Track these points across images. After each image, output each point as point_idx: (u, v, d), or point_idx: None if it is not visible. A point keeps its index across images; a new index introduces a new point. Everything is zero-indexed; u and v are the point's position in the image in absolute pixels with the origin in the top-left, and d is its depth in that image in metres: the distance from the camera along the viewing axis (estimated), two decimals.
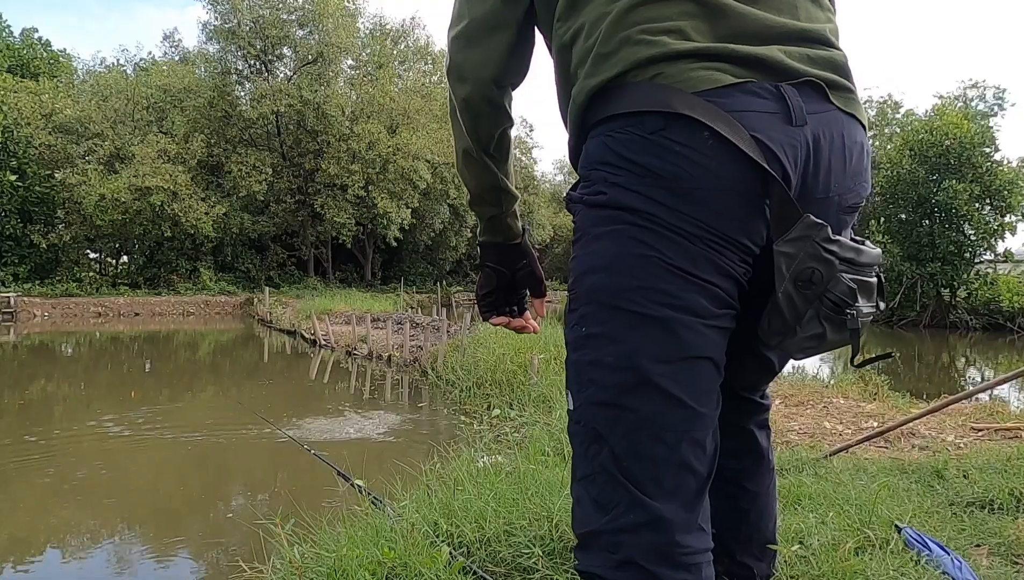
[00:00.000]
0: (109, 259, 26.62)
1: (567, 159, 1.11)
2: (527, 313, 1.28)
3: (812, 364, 10.12)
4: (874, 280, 0.94)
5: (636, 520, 0.88)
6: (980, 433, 3.54)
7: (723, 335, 0.92)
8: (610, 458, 0.89)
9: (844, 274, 0.89)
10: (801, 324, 0.91)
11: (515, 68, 1.08)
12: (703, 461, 0.91)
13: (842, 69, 0.95)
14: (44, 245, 22.43)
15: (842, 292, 0.88)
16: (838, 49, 0.97)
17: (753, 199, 0.87)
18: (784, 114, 0.87)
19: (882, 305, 0.96)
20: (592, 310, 0.91)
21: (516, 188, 1.19)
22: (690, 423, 0.89)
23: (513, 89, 1.12)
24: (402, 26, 30.92)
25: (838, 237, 0.89)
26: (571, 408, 0.95)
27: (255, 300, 21.88)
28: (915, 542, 1.78)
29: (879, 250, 0.96)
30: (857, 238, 0.98)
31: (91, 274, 24.27)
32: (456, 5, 1.08)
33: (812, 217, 0.87)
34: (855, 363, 0.98)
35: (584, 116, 0.95)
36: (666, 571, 0.88)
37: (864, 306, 0.91)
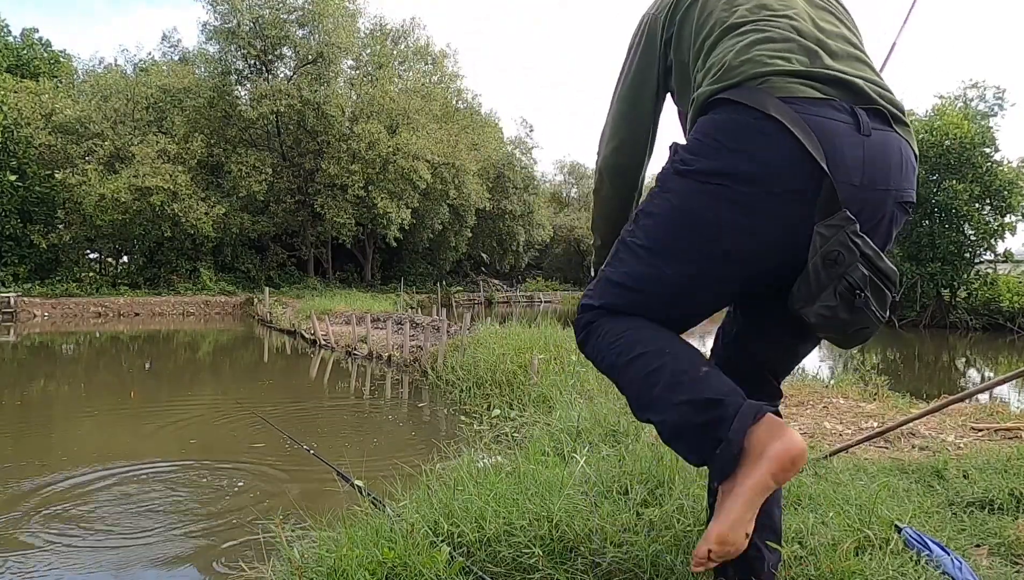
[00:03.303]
0: (109, 259, 26.63)
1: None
2: None
3: (812, 364, 10.11)
4: (887, 292, 1.18)
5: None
6: (980, 433, 3.54)
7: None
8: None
9: (862, 265, 1.13)
10: (821, 295, 1.15)
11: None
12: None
13: (902, 109, 1.24)
14: (44, 245, 22.44)
15: (858, 277, 1.13)
16: (898, 100, 1.25)
17: (804, 186, 1.13)
18: (855, 125, 1.15)
19: (886, 316, 1.20)
20: (641, 237, 1.29)
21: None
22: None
23: None
24: (402, 26, 30.92)
25: (864, 236, 1.14)
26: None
27: (255, 300, 21.89)
28: (915, 542, 1.78)
29: (895, 271, 1.20)
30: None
31: (91, 274, 24.29)
32: (608, 124, 1.54)
33: (847, 212, 1.12)
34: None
35: (704, 103, 1.22)
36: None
37: (872, 304, 1.15)
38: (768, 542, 1.37)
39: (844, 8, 1.41)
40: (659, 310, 1.28)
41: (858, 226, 1.13)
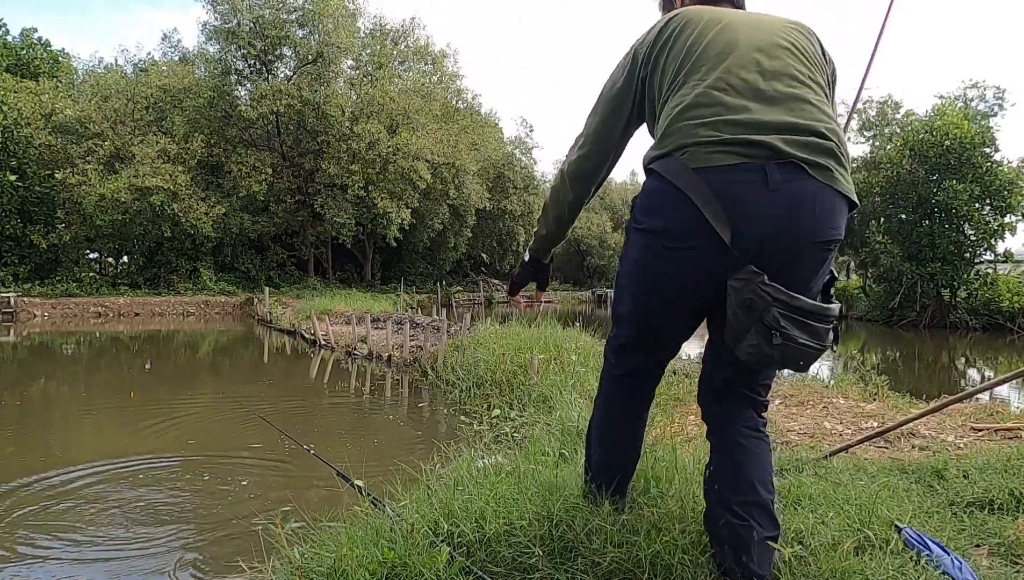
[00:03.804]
0: (109, 259, 26.62)
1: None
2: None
3: (812, 365, 10.10)
4: (820, 325, 1.38)
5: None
6: (980, 433, 3.54)
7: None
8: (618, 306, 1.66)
9: (775, 308, 1.34)
10: (746, 336, 1.38)
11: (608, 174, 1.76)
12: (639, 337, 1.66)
13: (829, 154, 1.39)
14: (44, 245, 22.43)
15: (771, 319, 1.34)
16: (830, 141, 1.40)
17: (708, 242, 1.38)
18: (764, 182, 1.34)
19: (833, 347, 1.45)
20: (623, 279, 1.62)
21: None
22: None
23: None
24: (402, 26, 30.90)
25: (774, 284, 1.35)
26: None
27: (255, 300, 21.88)
28: (915, 542, 1.78)
29: (822, 306, 1.39)
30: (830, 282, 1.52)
31: (91, 274, 24.27)
32: (582, 132, 1.70)
33: (753, 268, 1.35)
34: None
35: (645, 168, 1.51)
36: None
37: (800, 337, 1.35)
38: (757, 517, 1.51)
39: (805, 37, 1.56)
40: (645, 339, 1.64)
41: (766, 277, 1.34)
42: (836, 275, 1.56)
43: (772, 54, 1.46)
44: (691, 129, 1.40)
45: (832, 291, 1.54)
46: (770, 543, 1.51)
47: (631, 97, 1.62)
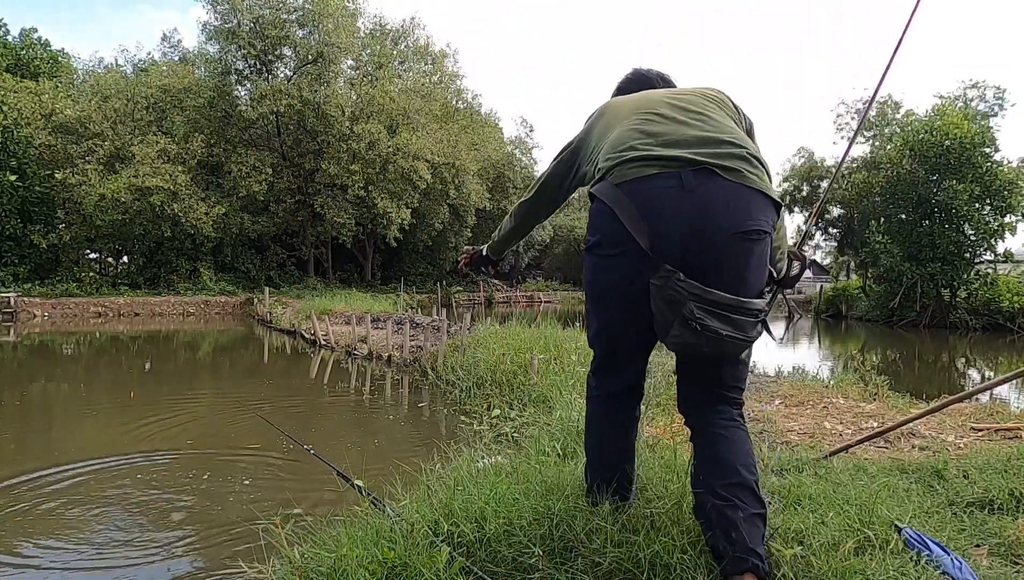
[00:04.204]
0: (109, 259, 26.63)
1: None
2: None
3: (812, 364, 10.11)
4: (740, 317, 1.53)
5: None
6: (980, 433, 3.54)
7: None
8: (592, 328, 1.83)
9: (692, 302, 1.51)
10: (670, 328, 1.55)
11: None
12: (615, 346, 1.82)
13: (740, 158, 1.59)
14: (44, 245, 22.45)
15: (688, 312, 1.51)
16: (741, 148, 1.61)
17: (633, 249, 1.57)
18: (680, 187, 1.54)
19: (756, 335, 1.59)
20: (587, 302, 1.80)
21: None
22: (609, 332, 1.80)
23: None
24: (402, 26, 30.92)
25: (689, 281, 1.51)
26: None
27: (255, 300, 21.89)
28: (915, 542, 1.78)
29: (738, 299, 1.53)
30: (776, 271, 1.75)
31: (91, 274, 24.27)
32: (549, 166, 2.02)
33: (668, 266, 1.53)
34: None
35: (589, 194, 1.71)
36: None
37: (721, 328, 1.52)
38: (742, 496, 1.59)
39: (716, 93, 1.84)
40: (614, 356, 1.82)
41: (681, 274, 1.51)
42: (777, 274, 1.78)
43: (683, 97, 1.76)
44: (617, 156, 1.64)
45: (773, 288, 1.76)
46: (757, 519, 1.56)
47: (571, 173, 1.95)
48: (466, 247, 2.41)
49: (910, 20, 2.22)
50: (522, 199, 2.10)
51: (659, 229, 1.53)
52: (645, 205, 1.54)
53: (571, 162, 1.93)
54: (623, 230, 1.56)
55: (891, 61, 2.24)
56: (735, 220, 1.53)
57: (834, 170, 31.10)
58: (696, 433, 1.77)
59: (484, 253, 2.28)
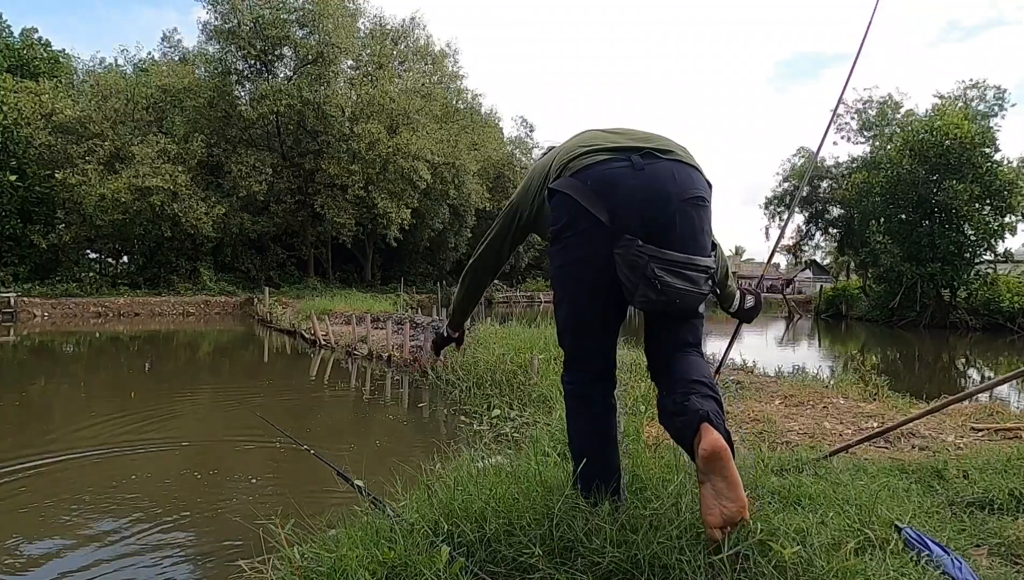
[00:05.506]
0: (109, 259, 26.63)
1: None
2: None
3: (812, 364, 10.11)
4: (693, 273, 1.74)
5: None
6: (980, 433, 3.54)
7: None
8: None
9: (652, 264, 1.69)
10: (636, 289, 1.72)
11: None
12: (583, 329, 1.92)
13: (679, 149, 1.84)
14: (44, 245, 22.45)
15: (651, 271, 1.70)
16: (681, 148, 1.86)
17: (594, 225, 1.74)
18: (630, 165, 1.76)
19: (708, 290, 1.81)
20: (556, 293, 1.93)
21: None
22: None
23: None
24: (402, 26, 30.91)
25: (648, 245, 1.70)
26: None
27: (255, 300, 21.89)
28: (915, 542, 1.78)
29: (690, 257, 1.73)
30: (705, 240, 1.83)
31: (91, 274, 24.28)
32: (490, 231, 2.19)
33: (628, 237, 1.70)
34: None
35: (550, 193, 1.86)
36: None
37: (677, 283, 1.72)
38: (697, 388, 1.75)
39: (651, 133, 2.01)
40: (583, 341, 1.92)
41: (639, 241, 1.69)
42: (728, 304, 2.21)
43: (623, 130, 1.93)
44: (568, 156, 1.84)
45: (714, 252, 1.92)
46: (712, 400, 1.72)
47: (511, 232, 2.13)
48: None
49: (872, 16, 2.40)
50: (467, 265, 2.23)
51: (616, 203, 1.72)
52: (601, 183, 1.74)
53: (513, 213, 2.11)
54: (583, 209, 1.74)
55: (859, 50, 2.43)
56: (682, 189, 1.75)
57: (834, 170, 31.09)
58: (663, 387, 1.91)
59: (444, 334, 2.43)
